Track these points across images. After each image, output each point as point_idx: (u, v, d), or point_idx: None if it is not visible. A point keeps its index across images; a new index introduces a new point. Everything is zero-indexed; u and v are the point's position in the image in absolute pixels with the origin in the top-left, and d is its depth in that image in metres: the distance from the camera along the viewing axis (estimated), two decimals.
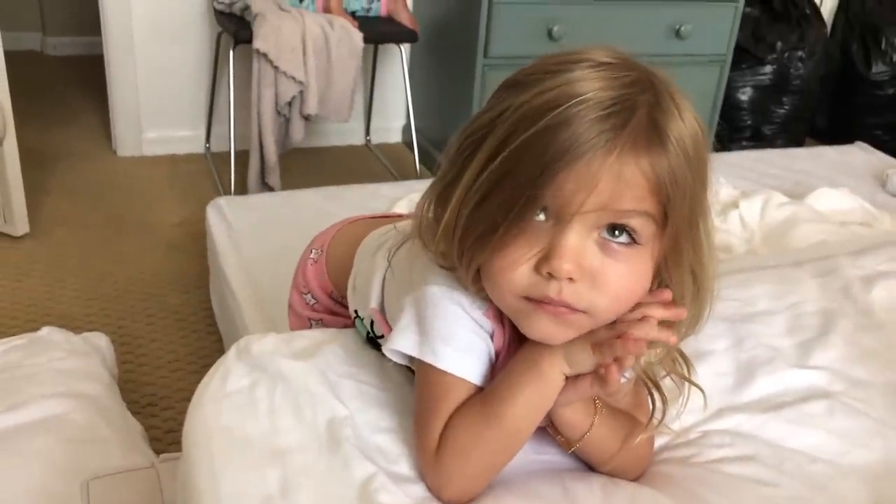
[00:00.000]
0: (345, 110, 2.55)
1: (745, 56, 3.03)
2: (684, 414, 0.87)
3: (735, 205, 1.84)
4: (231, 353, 0.86)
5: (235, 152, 2.55)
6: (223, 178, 2.67)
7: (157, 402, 1.66)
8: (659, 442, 0.87)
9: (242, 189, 2.54)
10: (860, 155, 2.30)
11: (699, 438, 0.87)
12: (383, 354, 0.85)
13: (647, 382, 0.79)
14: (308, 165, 2.92)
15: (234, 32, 2.42)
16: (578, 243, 0.65)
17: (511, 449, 0.74)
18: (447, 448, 0.72)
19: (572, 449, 0.77)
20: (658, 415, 0.77)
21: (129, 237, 2.34)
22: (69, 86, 3.59)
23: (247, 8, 2.44)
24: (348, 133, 3.15)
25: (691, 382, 0.82)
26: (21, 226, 2.25)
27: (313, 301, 1.12)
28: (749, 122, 3.15)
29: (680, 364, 0.80)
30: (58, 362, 1.42)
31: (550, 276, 0.65)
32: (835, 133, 3.27)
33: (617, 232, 0.66)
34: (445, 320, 0.75)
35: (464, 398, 0.74)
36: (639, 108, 0.64)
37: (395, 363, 0.80)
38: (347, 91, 2.53)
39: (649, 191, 0.64)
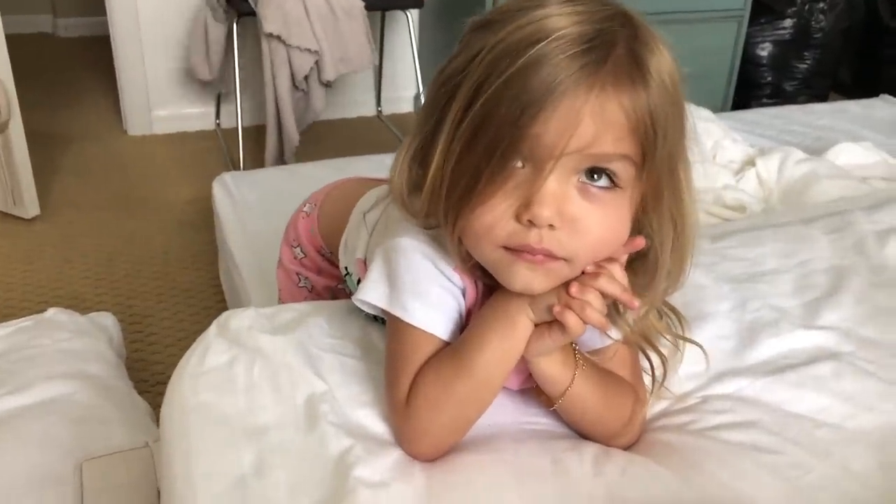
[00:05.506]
0: (367, 57, 2.51)
1: (763, 10, 2.94)
2: (684, 379, 0.84)
3: (751, 163, 1.78)
4: (212, 329, 0.84)
5: (243, 127, 2.53)
6: (234, 154, 2.65)
7: (166, 381, 1.64)
8: (657, 408, 0.83)
9: (254, 165, 2.52)
10: (885, 108, 2.22)
11: (699, 404, 0.83)
12: (366, 315, 0.83)
13: (642, 344, 0.77)
14: (319, 139, 2.89)
15: (235, 6, 2.38)
16: (558, 189, 0.62)
17: (482, 400, 0.72)
18: (418, 400, 0.71)
19: (554, 406, 0.75)
20: (658, 377, 0.75)
21: (140, 216, 2.33)
22: (80, 67, 3.59)
23: None
24: (359, 104, 3.12)
25: (687, 339, 0.79)
26: (31, 208, 2.25)
27: (302, 255, 1.12)
28: (769, 79, 3.06)
29: (672, 322, 0.77)
30: (62, 343, 1.41)
31: (531, 223, 0.62)
32: (860, 87, 3.16)
33: (596, 175, 0.63)
34: (416, 275, 0.73)
35: (433, 353, 0.72)
36: (618, 41, 0.61)
37: (381, 333, 0.78)
38: (362, 38, 2.48)
39: (630, 130, 0.62)
